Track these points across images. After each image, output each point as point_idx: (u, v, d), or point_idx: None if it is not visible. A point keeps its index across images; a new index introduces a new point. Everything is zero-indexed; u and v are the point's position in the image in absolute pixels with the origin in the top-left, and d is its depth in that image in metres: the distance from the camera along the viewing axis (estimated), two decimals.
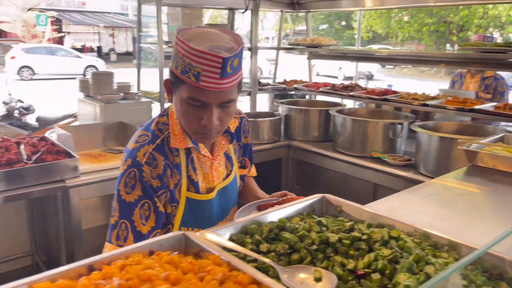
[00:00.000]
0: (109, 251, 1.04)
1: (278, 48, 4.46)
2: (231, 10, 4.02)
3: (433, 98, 3.35)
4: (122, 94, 3.34)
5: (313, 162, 3.50)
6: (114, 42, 26.12)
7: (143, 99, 3.49)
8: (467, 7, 13.01)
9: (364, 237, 0.85)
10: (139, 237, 1.21)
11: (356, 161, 3.14)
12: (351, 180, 3.22)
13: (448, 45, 15.49)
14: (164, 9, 4.43)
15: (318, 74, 16.53)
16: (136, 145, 1.27)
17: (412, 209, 1.15)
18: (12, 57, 17.73)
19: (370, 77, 16.39)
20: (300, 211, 1.02)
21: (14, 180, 2.37)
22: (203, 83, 1.11)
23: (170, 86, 1.26)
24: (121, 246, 1.22)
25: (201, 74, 1.10)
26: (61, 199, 2.61)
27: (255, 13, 3.75)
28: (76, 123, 3.92)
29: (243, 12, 3.73)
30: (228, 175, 1.43)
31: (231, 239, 0.87)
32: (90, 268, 0.71)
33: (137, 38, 3.87)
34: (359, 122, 3.22)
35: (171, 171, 1.27)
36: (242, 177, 1.55)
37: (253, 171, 1.72)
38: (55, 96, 12.50)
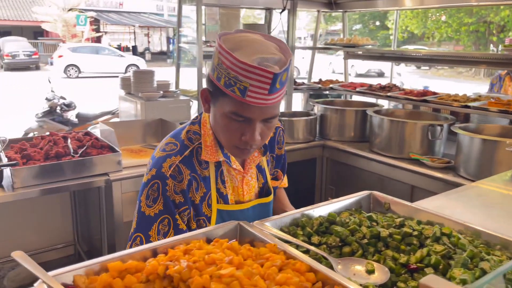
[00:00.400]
0: None
1: (314, 48, 4.45)
2: (268, 10, 4.05)
3: (475, 99, 3.27)
4: (161, 92, 3.43)
5: (348, 162, 3.48)
6: (149, 42, 26.72)
7: (182, 97, 3.57)
8: (509, 7, 12.52)
9: (415, 233, 0.86)
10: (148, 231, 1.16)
11: (393, 162, 3.11)
12: (387, 182, 3.19)
13: (491, 45, 14.96)
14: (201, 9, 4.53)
15: (334, 72, 16.42)
16: (163, 153, 1.21)
17: (460, 210, 1.14)
18: (60, 56, 18.59)
19: (380, 74, 16.17)
20: (347, 207, 1.03)
21: (61, 172, 2.48)
22: (250, 99, 1.03)
23: (208, 96, 1.17)
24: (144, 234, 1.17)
25: (248, 89, 1.02)
26: (104, 192, 2.72)
27: (292, 13, 3.76)
28: (117, 120, 4.05)
29: (281, 12, 3.75)
30: (260, 188, 1.35)
31: (282, 230, 0.90)
32: (154, 252, 0.76)
33: (177, 37, 3.96)
34: (397, 122, 3.18)
35: (198, 184, 1.21)
36: (274, 189, 1.45)
37: (284, 182, 1.65)
38: (98, 93, 12.96)
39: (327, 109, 3.69)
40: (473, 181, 2.53)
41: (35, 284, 0.65)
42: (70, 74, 18.45)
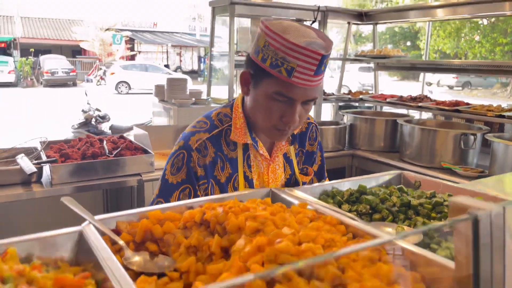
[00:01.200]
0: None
1: (344, 59, 4.48)
2: (299, 22, 4.12)
3: (510, 110, 3.19)
4: (194, 99, 3.53)
5: (378, 172, 3.44)
6: (180, 61, 27.47)
7: (213, 105, 3.65)
8: None
9: (446, 202, 0.86)
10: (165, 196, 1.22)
11: (424, 171, 3.05)
12: None
13: None
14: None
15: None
16: (192, 129, 1.28)
17: None
18: (112, 73, 19.52)
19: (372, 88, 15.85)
20: (377, 184, 1.04)
21: (96, 171, 2.58)
22: (296, 79, 1.06)
23: (248, 78, 1.20)
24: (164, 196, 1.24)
25: (295, 70, 1.05)
26: (136, 191, 2.79)
27: (323, 24, 3.82)
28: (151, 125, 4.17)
29: (311, 23, 3.81)
30: (287, 179, 1.34)
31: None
32: (191, 208, 0.79)
33: (209, 55, 4.08)
34: (429, 131, 3.14)
35: (223, 164, 1.24)
36: (303, 184, 1.38)
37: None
38: (135, 107, 13.40)
39: (356, 119, 3.68)
40: None
41: (82, 224, 0.69)
42: (121, 91, 19.30)
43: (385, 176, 1.06)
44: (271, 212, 0.67)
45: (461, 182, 2.79)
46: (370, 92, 4.41)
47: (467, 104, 3.49)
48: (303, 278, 0.50)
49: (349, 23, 4.31)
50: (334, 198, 0.91)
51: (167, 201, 1.21)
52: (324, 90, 4.19)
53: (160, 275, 0.63)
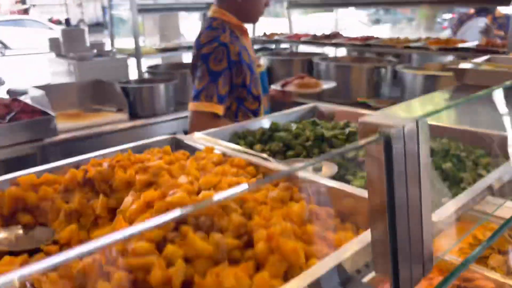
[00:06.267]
0: (197, 108, 1.53)
1: None
2: None
3: (416, 41, 3.32)
4: (95, 51, 3.20)
5: None
6: (82, 13, 25.11)
7: (119, 56, 3.35)
8: None
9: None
10: (220, 98, 1.54)
11: (342, 108, 3.11)
12: None
13: None
14: None
15: None
16: (213, 32, 1.61)
17: None
18: None
19: None
20: (290, 120, 0.98)
21: None
22: None
23: None
24: (209, 101, 1.53)
25: None
26: (40, 159, 2.52)
27: None
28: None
29: None
30: None
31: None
32: (76, 167, 0.66)
33: (109, 3, 3.68)
34: (343, 68, 3.18)
35: (244, 51, 1.68)
36: None
37: None
38: (28, 69, 12.01)
39: (273, 61, 3.62)
40: None
41: None
42: None
43: (299, 110, 1.00)
44: (168, 161, 0.57)
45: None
46: (285, 32, 4.34)
47: (377, 38, 3.57)
48: (201, 233, 0.42)
49: None
50: (245, 139, 0.83)
51: (217, 84, 1.54)
52: None
53: (36, 250, 0.52)
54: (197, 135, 0.77)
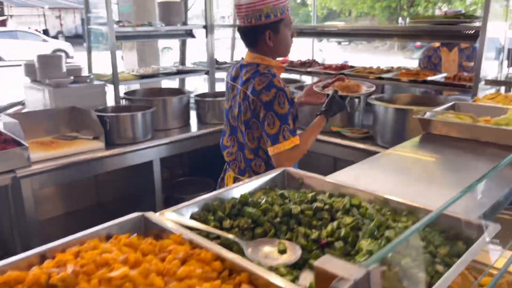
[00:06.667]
0: (280, 150, 1.76)
1: (234, 26, 4.38)
2: None
3: (388, 71, 3.43)
4: (72, 77, 3.17)
5: None
6: (61, 24, 24.77)
7: (96, 82, 3.33)
8: None
9: (326, 206, 0.85)
10: (294, 131, 1.80)
11: (318, 136, 3.16)
12: (312, 156, 3.25)
13: (400, 18, 15.87)
14: None
15: None
16: (264, 78, 1.80)
17: (371, 179, 1.17)
18: None
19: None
20: (262, 186, 1.01)
21: None
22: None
23: (270, 34, 1.82)
24: (287, 140, 1.76)
25: (286, 7, 1.84)
26: (11, 191, 2.47)
27: None
28: (24, 111, 3.70)
29: None
30: None
31: (192, 217, 0.85)
32: (43, 257, 0.67)
33: (86, 19, 3.65)
34: None
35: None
36: None
37: None
38: (11, 83, 11.67)
39: None
40: (389, 148, 2.67)
41: None
42: None
43: (269, 175, 1.03)
44: (134, 263, 0.58)
45: (350, 145, 2.96)
46: None
47: (351, 67, 3.66)
48: None
49: None
50: (215, 214, 0.85)
51: (288, 124, 1.78)
52: (216, 59, 4.08)
53: None
54: (168, 215, 0.78)
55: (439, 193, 1.07)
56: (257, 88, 1.80)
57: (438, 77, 3.09)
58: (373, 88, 2.15)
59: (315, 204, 0.85)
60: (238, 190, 0.95)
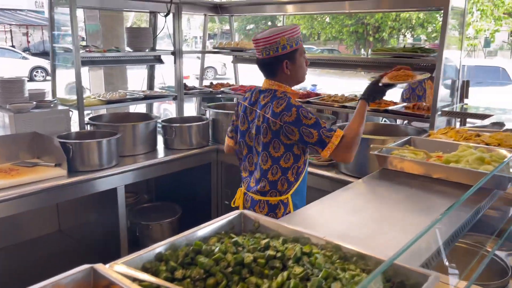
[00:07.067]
0: (331, 149, 1.87)
1: (203, 52, 4.42)
2: (153, 13, 3.91)
3: (352, 99, 3.53)
4: (34, 102, 3.11)
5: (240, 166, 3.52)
6: (28, 42, 24.21)
7: (60, 107, 3.27)
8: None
9: (279, 254, 0.87)
10: (333, 129, 1.92)
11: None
12: None
13: (362, 50, 16.47)
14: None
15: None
16: (282, 101, 1.95)
17: (327, 219, 1.20)
18: None
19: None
20: (218, 229, 1.02)
21: None
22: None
23: (287, 63, 1.98)
24: (333, 137, 1.87)
25: (300, 38, 2.03)
26: None
27: (177, 16, 3.68)
28: None
29: (165, 16, 3.64)
30: None
31: (144, 267, 0.84)
32: None
33: (50, 38, 3.56)
34: None
35: None
36: None
37: None
38: None
39: (218, 113, 3.69)
40: (352, 176, 2.73)
41: None
42: None
43: (227, 218, 1.05)
44: None
45: (314, 172, 3.01)
46: (231, 84, 4.45)
47: (317, 94, 3.76)
48: None
49: (205, 15, 4.24)
50: (167, 263, 0.85)
51: (323, 127, 1.90)
52: (185, 83, 4.10)
53: None
54: (117, 267, 0.78)
55: (391, 235, 1.11)
56: (277, 110, 1.94)
57: (398, 106, 3.21)
58: (429, 74, 2.31)
59: (268, 252, 0.87)
60: (193, 235, 0.95)
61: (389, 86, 2.14)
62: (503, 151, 1.66)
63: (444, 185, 1.46)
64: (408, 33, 16.18)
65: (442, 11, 2.88)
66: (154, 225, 3.48)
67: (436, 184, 1.47)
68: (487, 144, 1.73)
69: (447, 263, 1.12)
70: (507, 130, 1.97)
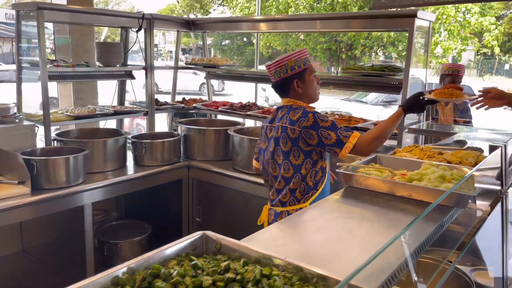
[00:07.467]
0: (348, 148, 2.00)
1: (175, 68, 4.41)
2: (124, 29, 3.88)
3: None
4: None
5: (213, 182, 3.50)
6: None
7: (26, 123, 3.18)
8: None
9: (238, 277, 0.86)
10: (350, 130, 2.05)
11: (254, 179, 3.21)
12: (250, 198, 3.29)
13: (333, 68, 16.85)
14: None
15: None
16: (298, 110, 2.10)
17: (291, 238, 1.20)
18: None
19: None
20: (180, 251, 1.00)
21: None
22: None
23: (298, 82, 2.16)
24: (350, 136, 2.01)
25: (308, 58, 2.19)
26: None
27: (149, 32, 3.67)
28: None
29: (137, 31, 3.63)
30: None
31: None
32: None
33: (17, 52, 3.46)
34: (255, 141, 3.30)
35: None
36: None
37: None
38: None
39: (190, 129, 3.67)
40: None
41: None
42: None
43: (189, 239, 1.03)
44: None
45: None
46: (204, 100, 4.45)
47: None
48: None
49: (178, 31, 4.24)
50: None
51: (340, 128, 2.05)
52: (157, 98, 4.07)
53: None
54: None
55: (353, 255, 1.11)
56: (294, 118, 2.09)
57: (368, 123, 3.28)
58: (463, 99, 2.37)
59: (227, 275, 0.86)
60: (153, 258, 0.93)
61: (431, 102, 2.25)
62: (464, 169, 1.72)
63: (408, 203, 1.49)
64: (380, 51, 16.65)
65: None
66: (123, 243, 3.40)
67: (400, 202, 1.50)
68: (449, 162, 1.79)
69: (415, 278, 1.13)
70: (468, 148, 2.03)
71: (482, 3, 12.66)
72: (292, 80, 2.15)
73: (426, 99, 2.21)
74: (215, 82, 16.81)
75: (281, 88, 2.22)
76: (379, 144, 2.13)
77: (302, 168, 2.12)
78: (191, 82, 14.72)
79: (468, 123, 3.79)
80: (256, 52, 4.63)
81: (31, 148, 3.01)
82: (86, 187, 2.94)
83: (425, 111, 3.33)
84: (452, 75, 3.75)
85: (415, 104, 2.19)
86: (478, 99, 2.35)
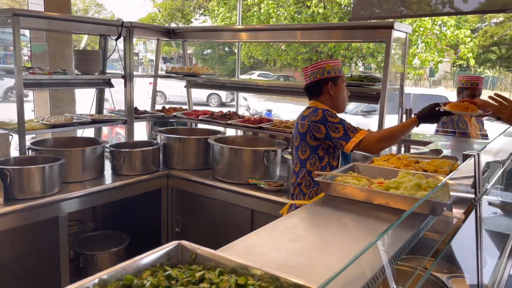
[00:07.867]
0: (354, 143, 2.10)
1: (155, 76, 4.38)
2: (103, 36, 3.84)
3: None
4: None
5: (193, 191, 3.47)
6: None
7: (0, 131, 3.10)
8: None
9: (213, 287, 0.85)
10: (358, 128, 2.17)
11: (234, 188, 3.20)
12: (230, 207, 3.27)
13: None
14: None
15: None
16: (313, 108, 2.24)
17: (268, 247, 1.19)
18: None
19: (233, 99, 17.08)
20: (154, 261, 0.98)
21: None
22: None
23: (332, 85, 2.28)
24: (357, 132, 2.13)
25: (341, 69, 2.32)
26: None
27: (128, 40, 3.64)
28: None
29: (116, 40, 3.59)
30: None
31: None
32: None
33: None
34: (236, 150, 3.30)
35: None
36: None
37: None
38: None
39: (169, 138, 3.64)
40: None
41: None
42: None
43: (164, 249, 1.01)
44: None
45: (266, 197, 3.02)
46: (184, 108, 4.42)
47: (269, 120, 3.81)
48: None
49: (158, 39, 4.23)
50: None
51: (347, 123, 2.17)
52: (136, 107, 4.02)
53: None
54: None
55: (330, 263, 1.11)
56: (305, 114, 2.23)
57: None
58: (477, 113, 2.38)
59: (202, 286, 0.85)
60: (126, 268, 0.91)
61: (446, 113, 2.29)
62: (439, 177, 1.74)
63: (385, 211, 1.50)
64: (359, 61, 16.93)
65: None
66: (99, 255, 3.32)
67: (377, 210, 1.51)
68: (424, 171, 1.81)
69: (393, 286, 1.14)
70: (444, 156, 2.07)
71: (458, 16, 13.06)
72: (327, 83, 2.27)
73: (441, 110, 2.25)
74: (223, 93, 16.76)
75: (314, 89, 2.32)
76: (386, 145, 2.22)
77: (307, 163, 2.24)
78: (199, 93, 14.69)
79: (486, 136, 3.82)
80: (238, 62, 4.64)
81: (4, 157, 2.93)
82: (61, 197, 2.88)
83: (402, 119, 3.39)
84: (470, 89, 3.64)
85: (429, 114, 2.23)
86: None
